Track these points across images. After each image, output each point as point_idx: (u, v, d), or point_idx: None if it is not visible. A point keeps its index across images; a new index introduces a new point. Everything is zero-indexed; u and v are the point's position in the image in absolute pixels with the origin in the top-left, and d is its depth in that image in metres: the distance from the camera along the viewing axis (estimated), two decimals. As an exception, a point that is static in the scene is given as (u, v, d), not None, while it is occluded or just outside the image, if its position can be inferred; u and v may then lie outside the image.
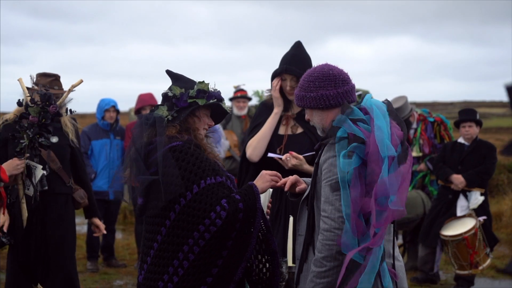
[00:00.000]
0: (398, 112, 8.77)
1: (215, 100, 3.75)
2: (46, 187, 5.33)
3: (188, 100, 3.70)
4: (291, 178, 3.71)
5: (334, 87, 3.45)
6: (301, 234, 3.57)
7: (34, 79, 5.56)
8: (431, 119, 8.86)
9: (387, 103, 3.47)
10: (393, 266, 3.44)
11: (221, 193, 3.58)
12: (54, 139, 5.53)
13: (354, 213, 3.23)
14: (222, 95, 3.83)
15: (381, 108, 3.41)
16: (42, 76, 5.62)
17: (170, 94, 3.74)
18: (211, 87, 3.78)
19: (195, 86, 3.74)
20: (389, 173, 3.25)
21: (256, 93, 10.41)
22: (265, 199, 3.78)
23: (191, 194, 3.53)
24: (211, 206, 3.52)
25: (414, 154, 8.79)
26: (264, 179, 3.71)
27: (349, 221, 3.23)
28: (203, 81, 3.77)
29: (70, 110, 5.02)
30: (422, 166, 8.76)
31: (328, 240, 3.30)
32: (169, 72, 3.87)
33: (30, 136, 4.84)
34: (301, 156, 4.88)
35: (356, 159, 3.26)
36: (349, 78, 3.52)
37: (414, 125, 8.87)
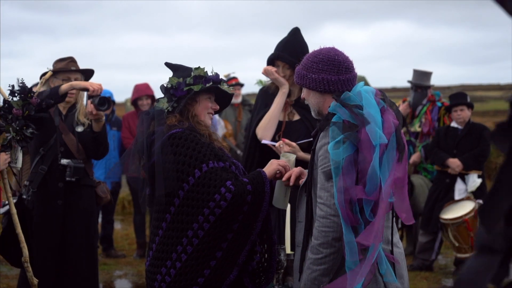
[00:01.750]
0: (421, 78, 8.80)
1: (212, 83, 3.78)
2: (74, 179, 5.41)
3: (185, 88, 3.74)
4: (296, 171, 3.73)
5: (336, 73, 3.44)
6: (301, 221, 3.57)
7: (52, 68, 5.56)
8: (439, 104, 8.86)
9: (381, 93, 3.46)
10: (391, 252, 3.42)
11: (225, 175, 3.61)
12: (80, 128, 5.54)
13: (346, 201, 3.22)
14: None
15: (371, 94, 3.39)
16: (58, 62, 5.65)
17: (168, 85, 3.77)
18: (209, 71, 3.80)
19: (192, 73, 3.78)
20: (381, 162, 3.25)
21: (259, 82, 10.41)
22: (292, 167, 3.78)
23: (193, 178, 3.57)
24: (215, 188, 3.55)
25: (413, 129, 8.80)
26: (271, 166, 3.74)
27: (340, 210, 3.23)
28: (199, 67, 3.80)
29: (113, 101, 5.16)
30: (416, 156, 8.72)
31: (324, 227, 3.30)
32: (168, 64, 3.91)
33: (17, 128, 4.85)
34: (294, 144, 4.88)
35: (349, 147, 3.26)
36: (353, 66, 3.51)
37: (424, 101, 8.88)
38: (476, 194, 7.91)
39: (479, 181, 7.95)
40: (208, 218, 3.54)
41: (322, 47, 3.56)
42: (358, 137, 3.26)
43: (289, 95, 5.20)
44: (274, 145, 4.97)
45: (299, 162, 4.87)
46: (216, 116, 9.39)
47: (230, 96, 3.94)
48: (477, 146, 8.00)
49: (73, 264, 5.47)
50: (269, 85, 5.35)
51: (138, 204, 7.72)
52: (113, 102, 9.08)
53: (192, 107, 3.78)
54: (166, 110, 3.74)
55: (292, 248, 3.79)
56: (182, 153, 3.60)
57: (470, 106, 8.11)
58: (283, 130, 5.11)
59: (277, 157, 4.25)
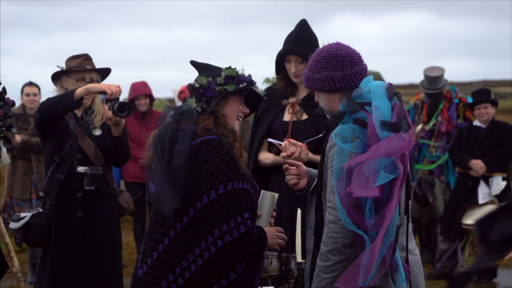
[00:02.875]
0: (434, 83, 8.79)
1: (246, 84, 3.80)
2: (93, 187, 5.25)
3: (216, 88, 3.74)
4: (303, 168, 3.79)
5: (341, 69, 3.46)
6: (311, 227, 3.59)
7: (64, 67, 5.45)
8: (457, 100, 8.88)
9: (390, 86, 3.45)
10: (407, 260, 3.44)
11: (245, 204, 3.63)
12: (97, 132, 5.37)
13: (348, 203, 3.24)
14: None
15: (381, 89, 3.40)
16: (71, 59, 5.49)
17: (196, 85, 3.77)
18: (239, 71, 3.82)
19: (222, 73, 3.78)
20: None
21: (267, 80, 10.32)
22: (270, 207, 3.84)
23: (215, 193, 3.59)
24: (232, 213, 3.58)
25: (427, 128, 8.81)
26: (271, 235, 3.76)
27: (344, 213, 3.25)
28: (230, 66, 3.81)
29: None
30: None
31: (334, 233, 3.32)
32: (194, 63, 3.90)
33: (4, 129, 4.86)
34: (300, 143, 4.89)
35: (360, 146, 3.28)
36: (360, 59, 3.52)
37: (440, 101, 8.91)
38: (501, 198, 7.88)
39: (504, 184, 7.95)
40: (215, 242, 3.57)
41: (326, 43, 3.59)
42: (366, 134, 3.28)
43: (297, 93, 5.22)
44: (280, 144, 4.99)
45: (308, 164, 4.90)
46: None
47: (261, 99, 3.95)
48: (502, 146, 8.01)
49: (96, 283, 5.29)
50: (275, 82, 5.34)
51: (139, 211, 7.70)
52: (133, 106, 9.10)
53: (222, 109, 3.78)
54: (195, 111, 3.73)
55: (304, 256, 3.81)
56: (214, 163, 3.61)
57: (494, 103, 8.12)
58: (290, 131, 5.12)
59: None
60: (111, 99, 5.08)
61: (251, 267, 3.65)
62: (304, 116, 5.15)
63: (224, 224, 3.56)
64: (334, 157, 3.35)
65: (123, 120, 5.27)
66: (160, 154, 3.65)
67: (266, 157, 5.19)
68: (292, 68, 5.10)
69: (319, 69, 3.49)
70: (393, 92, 3.40)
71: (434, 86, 8.89)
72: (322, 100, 3.54)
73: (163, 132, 3.70)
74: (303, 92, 5.19)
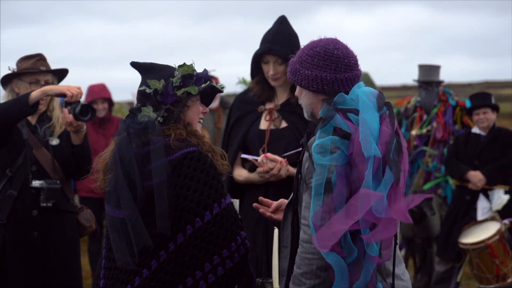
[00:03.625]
0: (430, 74, 8.85)
1: (207, 82, 3.72)
2: (50, 204, 5.22)
3: (178, 92, 3.65)
4: (275, 204, 3.81)
5: (333, 71, 3.46)
6: (286, 246, 3.61)
7: (15, 69, 5.43)
8: (453, 103, 8.92)
9: (381, 94, 3.45)
10: (392, 287, 3.44)
11: (238, 220, 3.64)
12: (55, 141, 5.36)
13: (321, 225, 3.21)
14: None
15: (371, 98, 3.40)
16: (23, 60, 5.46)
17: (148, 90, 3.65)
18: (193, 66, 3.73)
19: (176, 73, 3.69)
20: (374, 178, 3.25)
21: (243, 81, 10.39)
22: None
23: (210, 214, 3.54)
24: (232, 235, 3.57)
25: (416, 133, 8.86)
26: None
27: (313, 231, 3.23)
28: (184, 64, 3.71)
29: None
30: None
31: (308, 253, 3.32)
32: (135, 64, 3.80)
33: None
34: (279, 158, 4.91)
35: (340, 157, 3.27)
36: (356, 63, 3.53)
37: (435, 102, 8.96)
38: (503, 213, 7.90)
39: (506, 197, 7.95)
40: (216, 269, 3.53)
41: (322, 37, 3.57)
42: (349, 148, 3.28)
43: (274, 98, 5.24)
44: (256, 160, 4.99)
45: (289, 179, 4.92)
46: None
47: (216, 93, 3.89)
48: (504, 156, 8.05)
49: None
50: (250, 86, 5.34)
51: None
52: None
53: (183, 115, 3.70)
54: (156, 122, 3.62)
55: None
56: (201, 180, 3.56)
57: (495, 108, 8.15)
58: (267, 141, 5.13)
59: None
60: (71, 102, 5.05)
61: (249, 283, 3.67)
62: (283, 124, 5.16)
63: (225, 248, 3.54)
64: (313, 170, 3.34)
65: (85, 126, 5.25)
66: (126, 173, 3.53)
67: (238, 173, 5.19)
68: (270, 70, 5.10)
69: (310, 65, 3.49)
70: (383, 102, 3.41)
71: (431, 77, 8.95)
72: (305, 98, 3.55)
73: (123, 148, 3.58)
74: (281, 97, 5.20)
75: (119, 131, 3.68)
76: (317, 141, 3.32)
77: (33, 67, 5.39)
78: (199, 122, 3.78)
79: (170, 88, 3.64)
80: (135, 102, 9.66)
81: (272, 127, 5.17)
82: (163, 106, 3.63)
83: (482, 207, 8.02)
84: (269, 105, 5.23)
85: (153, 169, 3.51)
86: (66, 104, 5.08)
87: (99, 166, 3.67)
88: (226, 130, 5.38)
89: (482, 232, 7.72)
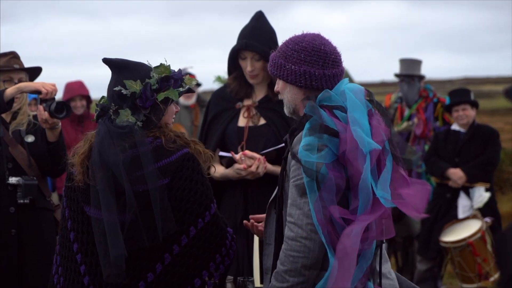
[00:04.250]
0: (411, 67, 8.84)
1: (187, 87, 3.66)
2: (27, 200, 5.25)
3: (159, 97, 3.57)
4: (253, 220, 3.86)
5: (321, 67, 3.47)
6: (269, 243, 3.61)
7: None
8: (435, 100, 8.93)
9: (368, 92, 3.48)
10: (380, 285, 3.47)
11: (223, 222, 3.70)
12: (30, 138, 5.39)
13: (325, 219, 3.26)
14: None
15: (358, 95, 3.42)
16: None
17: (125, 92, 3.56)
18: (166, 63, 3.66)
19: (153, 74, 3.61)
20: (375, 174, 3.29)
21: (218, 79, 10.35)
22: None
23: (209, 214, 3.61)
24: (225, 232, 3.65)
25: (398, 128, 8.87)
26: None
27: (320, 230, 3.26)
28: (161, 64, 3.63)
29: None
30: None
31: (293, 251, 3.32)
32: (108, 61, 3.70)
33: None
34: (258, 155, 4.92)
35: (328, 155, 3.28)
36: (340, 60, 3.54)
37: (416, 98, 8.96)
38: (484, 211, 7.94)
39: (487, 195, 8.00)
40: (219, 268, 3.65)
41: (306, 32, 3.57)
42: (338, 146, 3.29)
43: (252, 95, 5.24)
44: (234, 157, 4.98)
45: (267, 177, 4.92)
46: None
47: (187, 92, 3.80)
48: (484, 153, 8.07)
49: None
50: (227, 83, 5.34)
51: None
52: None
53: (163, 118, 3.65)
54: (136, 126, 3.55)
55: (262, 280, 3.84)
56: (199, 181, 3.57)
57: (474, 104, 8.18)
58: (246, 138, 5.14)
59: None
60: (46, 99, 5.09)
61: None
62: (262, 121, 5.17)
63: (223, 247, 3.62)
64: (293, 165, 3.37)
65: (60, 123, 5.29)
66: (110, 177, 3.47)
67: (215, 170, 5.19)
68: (248, 66, 5.09)
69: (297, 60, 3.48)
70: (370, 98, 3.44)
71: (413, 71, 8.96)
72: (289, 94, 3.54)
73: (107, 152, 3.50)
74: (259, 94, 5.21)
75: (99, 132, 3.59)
76: (304, 139, 3.33)
77: (7, 65, 5.43)
78: (173, 120, 3.77)
79: (148, 91, 3.56)
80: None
81: (251, 124, 5.18)
82: (142, 111, 3.56)
83: (463, 205, 8.05)
84: (247, 102, 5.24)
85: (146, 174, 3.46)
86: (41, 101, 5.12)
87: (75, 161, 3.62)
88: (203, 127, 5.37)
89: (464, 230, 7.75)
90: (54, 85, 5.13)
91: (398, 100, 9.07)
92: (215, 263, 3.60)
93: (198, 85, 10.18)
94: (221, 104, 5.28)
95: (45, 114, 5.12)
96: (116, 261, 3.43)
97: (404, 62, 9.04)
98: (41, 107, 5.13)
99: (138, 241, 3.47)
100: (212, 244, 3.58)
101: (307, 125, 3.36)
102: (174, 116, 3.74)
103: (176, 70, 3.67)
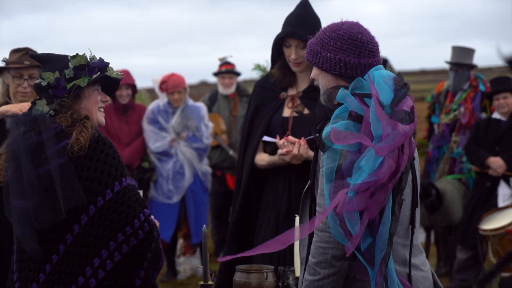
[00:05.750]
0: (462, 55, 8.75)
1: (98, 72, 3.76)
2: None
3: (68, 86, 3.71)
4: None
5: (357, 56, 3.45)
6: None
7: (7, 59, 5.65)
8: (483, 88, 8.85)
9: (398, 76, 3.45)
10: (409, 276, 3.42)
11: (142, 200, 3.69)
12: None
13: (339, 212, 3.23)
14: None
15: (387, 80, 3.39)
16: (12, 53, 5.68)
17: (43, 83, 3.73)
18: (89, 56, 3.78)
19: (70, 64, 3.75)
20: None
21: (258, 67, 10.24)
22: None
23: (111, 192, 3.61)
24: (134, 211, 3.61)
25: (445, 120, 8.84)
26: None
27: (330, 217, 3.25)
28: (77, 54, 3.76)
29: None
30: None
31: (323, 242, 3.32)
32: (33, 56, 3.91)
33: None
34: (300, 140, 4.92)
35: (355, 143, 3.27)
36: (378, 50, 3.52)
37: (465, 86, 8.92)
38: (524, 200, 7.90)
39: (527, 184, 7.97)
40: (121, 247, 3.60)
41: (345, 20, 3.56)
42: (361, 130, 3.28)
43: (295, 84, 5.25)
44: (277, 142, 5.00)
45: (308, 163, 4.96)
46: (202, 106, 9.38)
47: (118, 81, 3.92)
48: (524, 142, 8.03)
49: None
50: (271, 72, 5.33)
51: None
52: None
53: (79, 105, 3.76)
54: (48, 115, 3.71)
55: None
56: (101, 159, 3.63)
57: (516, 92, 8.12)
58: (291, 128, 5.14)
59: None
60: None
61: (152, 266, 3.74)
62: (306, 111, 5.17)
63: (128, 225, 3.59)
64: (325, 156, 3.35)
65: None
66: (19, 164, 3.63)
67: (260, 158, 5.21)
68: (292, 54, 5.08)
69: (333, 48, 3.47)
70: (402, 83, 3.39)
71: (463, 59, 8.88)
72: (323, 80, 3.54)
73: (14, 141, 3.68)
74: (303, 84, 5.21)
75: (11, 126, 3.79)
76: (331, 125, 3.33)
77: (18, 61, 5.61)
78: (100, 110, 3.84)
79: (62, 80, 3.71)
80: (156, 89, 9.55)
81: (295, 114, 5.18)
82: (55, 100, 3.71)
83: (503, 194, 8.03)
84: (291, 92, 5.25)
85: (48, 155, 3.59)
86: None
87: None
88: (247, 118, 5.38)
89: (503, 219, 7.73)
90: (29, 105, 5.39)
91: (449, 87, 9.02)
92: (116, 243, 3.58)
93: (237, 73, 10.13)
94: (264, 94, 5.29)
95: None
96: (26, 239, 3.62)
97: (455, 50, 8.96)
98: None
99: (42, 223, 3.58)
100: (113, 223, 3.58)
101: (335, 112, 3.37)
102: (101, 105, 3.84)
103: (96, 60, 3.79)
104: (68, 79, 3.70)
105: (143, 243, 3.62)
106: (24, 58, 5.60)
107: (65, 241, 3.59)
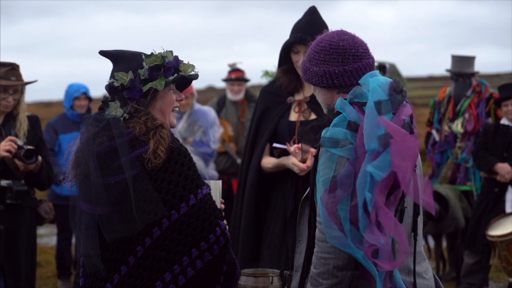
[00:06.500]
0: (462, 64, 8.77)
1: (175, 74, 3.60)
2: (15, 202, 5.71)
3: (143, 88, 3.54)
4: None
5: (341, 63, 3.43)
6: (302, 241, 3.58)
7: None
8: (487, 95, 8.82)
9: (395, 81, 3.40)
10: (414, 285, 3.40)
11: (218, 211, 3.56)
12: (20, 142, 5.68)
13: (330, 214, 3.22)
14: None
15: (383, 87, 3.34)
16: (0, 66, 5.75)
17: (116, 84, 3.57)
18: (162, 54, 3.62)
19: (144, 64, 3.58)
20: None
21: (266, 73, 10.26)
22: (218, 196, 3.78)
23: (186, 206, 3.47)
24: (210, 226, 3.49)
25: (455, 129, 8.82)
26: None
27: (324, 223, 3.22)
28: (152, 54, 3.59)
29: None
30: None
31: (324, 253, 3.29)
32: (104, 53, 3.69)
33: None
34: (312, 149, 4.92)
35: (350, 152, 3.24)
36: (364, 52, 3.48)
37: (468, 93, 8.90)
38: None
39: (536, 190, 7.96)
40: (194, 262, 3.47)
41: (334, 30, 3.55)
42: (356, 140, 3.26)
43: (301, 90, 5.27)
44: (288, 149, 4.99)
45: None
46: (210, 110, 9.37)
47: (192, 78, 3.73)
48: (532, 148, 8.02)
49: None
50: (277, 76, 5.35)
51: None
52: (89, 98, 9.12)
53: (153, 108, 3.61)
54: (122, 118, 3.55)
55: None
56: (176, 171, 3.49)
57: (524, 99, 8.10)
58: (297, 133, 5.16)
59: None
60: (15, 153, 5.58)
61: (229, 278, 3.62)
62: (313, 116, 5.19)
63: (203, 241, 3.47)
64: (321, 163, 3.34)
65: (34, 164, 5.70)
66: (87, 171, 3.49)
67: (267, 161, 5.22)
68: (300, 60, 5.08)
69: (317, 61, 3.47)
70: (398, 90, 3.35)
71: (462, 68, 8.89)
72: (319, 95, 3.54)
73: (84, 147, 3.53)
74: (309, 89, 5.21)
75: (83, 128, 3.63)
76: (328, 133, 3.31)
77: (4, 77, 5.73)
78: (174, 111, 3.70)
79: (137, 82, 3.54)
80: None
81: (302, 119, 5.20)
82: (129, 102, 3.55)
83: (511, 200, 8.02)
84: (298, 97, 5.28)
85: (123, 164, 3.45)
86: (13, 157, 5.60)
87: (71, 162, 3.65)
88: (253, 122, 5.40)
89: (511, 225, 7.72)
90: (10, 144, 5.57)
91: (451, 93, 9.03)
92: (189, 258, 3.47)
93: (246, 80, 10.08)
94: (271, 99, 5.31)
95: (19, 163, 5.61)
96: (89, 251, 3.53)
97: (454, 59, 8.97)
98: (16, 161, 5.65)
99: (113, 234, 3.47)
100: (187, 238, 3.46)
101: (334, 121, 3.34)
102: (176, 105, 3.69)
103: (170, 59, 3.62)
104: (143, 81, 3.54)
105: (218, 257, 3.51)
106: (10, 73, 5.73)
107: (135, 253, 3.48)
